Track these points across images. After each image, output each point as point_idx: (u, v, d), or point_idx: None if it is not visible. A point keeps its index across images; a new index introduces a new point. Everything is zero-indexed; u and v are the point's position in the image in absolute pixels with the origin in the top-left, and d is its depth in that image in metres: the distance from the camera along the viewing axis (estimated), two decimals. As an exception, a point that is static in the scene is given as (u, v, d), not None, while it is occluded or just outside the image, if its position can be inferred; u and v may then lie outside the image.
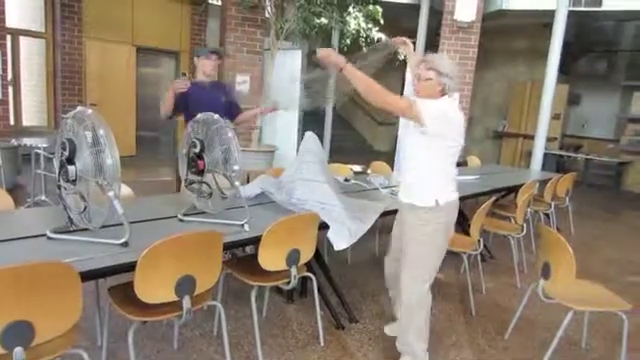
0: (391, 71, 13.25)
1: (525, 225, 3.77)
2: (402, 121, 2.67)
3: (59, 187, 1.95)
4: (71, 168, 1.83)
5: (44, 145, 4.61)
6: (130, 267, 1.72)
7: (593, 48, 10.22)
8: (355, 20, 5.96)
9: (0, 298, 1.35)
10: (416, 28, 7.98)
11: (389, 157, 10.56)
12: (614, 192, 9.07)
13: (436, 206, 2.21)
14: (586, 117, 10.66)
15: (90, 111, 1.84)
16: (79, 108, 1.90)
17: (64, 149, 1.85)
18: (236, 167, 2.27)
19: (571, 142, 10.46)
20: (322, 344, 2.58)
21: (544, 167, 7.18)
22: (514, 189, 4.79)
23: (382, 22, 6.07)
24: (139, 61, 8.41)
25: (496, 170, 5.70)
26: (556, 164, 9.42)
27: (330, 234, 2.40)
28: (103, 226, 1.90)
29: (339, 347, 2.58)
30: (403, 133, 6.35)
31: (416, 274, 2.30)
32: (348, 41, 5.99)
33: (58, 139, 1.95)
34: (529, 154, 10.43)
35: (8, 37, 6.41)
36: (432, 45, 8.39)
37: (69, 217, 1.93)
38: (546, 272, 2.44)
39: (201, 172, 2.27)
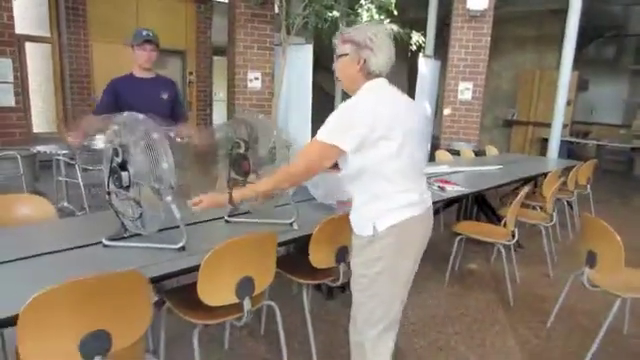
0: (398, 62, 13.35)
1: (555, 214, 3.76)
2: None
3: (108, 194, 1.94)
4: (124, 174, 1.82)
5: (64, 152, 4.59)
6: (189, 271, 1.71)
7: (601, 33, 10.16)
8: (368, 12, 5.92)
9: (79, 308, 1.35)
10: (425, 18, 7.93)
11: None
12: (627, 178, 9.04)
13: (374, 234, 1.66)
14: (594, 103, 10.63)
15: (142, 116, 1.83)
16: (126, 114, 1.88)
17: (116, 155, 1.83)
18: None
19: (580, 129, 10.43)
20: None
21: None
22: (534, 178, 4.79)
23: (395, 13, 6.01)
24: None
25: (514, 159, 5.67)
26: (567, 151, 9.39)
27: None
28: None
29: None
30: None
31: (365, 316, 1.80)
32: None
33: (106, 145, 1.94)
34: (539, 141, 10.47)
35: (18, 44, 6.39)
36: (441, 36, 8.38)
37: (122, 224, 1.92)
38: (591, 261, 2.43)
39: (246, 174, 2.26)
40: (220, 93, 9.90)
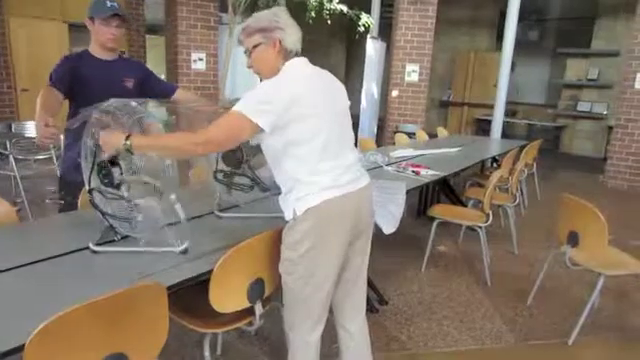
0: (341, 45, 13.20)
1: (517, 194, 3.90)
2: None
3: (90, 192, 1.70)
4: (115, 170, 1.60)
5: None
6: (198, 277, 1.54)
7: (525, 16, 10.66)
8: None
9: (93, 333, 1.16)
10: (370, -1, 7.89)
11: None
12: (555, 155, 9.67)
13: (294, 218, 1.60)
14: (519, 84, 11.21)
15: (134, 103, 1.61)
16: (112, 100, 1.65)
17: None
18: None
19: (508, 108, 10.97)
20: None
21: (489, 134, 7.45)
22: (494, 159, 4.97)
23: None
24: (72, 39, 7.66)
25: (466, 141, 5.83)
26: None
27: (377, 219, 2.31)
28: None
29: (381, 329, 2.54)
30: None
31: (293, 318, 1.72)
32: (313, 14, 5.78)
33: (85, 137, 1.70)
34: (474, 122, 10.94)
35: None
36: (385, 17, 8.40)
37: (111, 226, 1.70)
38: (574, 240, 2.52)
39: (239, 163, 2.08)
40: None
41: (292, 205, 1.60)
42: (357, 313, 1.88)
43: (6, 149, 4.15)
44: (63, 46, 7.46)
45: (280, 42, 1.61)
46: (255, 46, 1.64)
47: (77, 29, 7.65)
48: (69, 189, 2.32)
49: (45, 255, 1.58)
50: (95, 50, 2.40)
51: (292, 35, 1.63)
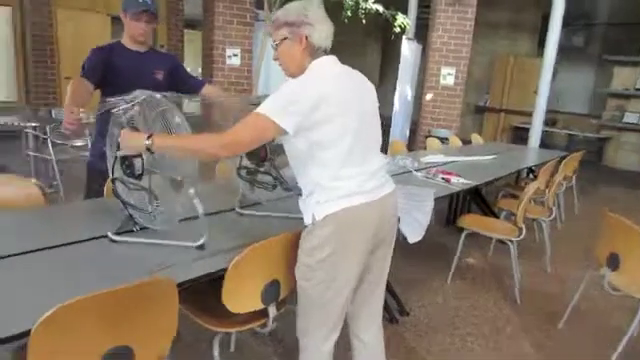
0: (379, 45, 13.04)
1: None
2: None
3: (113, 181, 1.70)
4: (137, 161, 1.58)
5: (32, 124, 4.20)
6: (212, 275, 1.51)
7: (570, 21, 10.28)
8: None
9: (100, 325, 1.13)
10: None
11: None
12: (598, 168, 9.27)
13: (313, 222, 1.53)
14: (560, 91, 10.82)
15: (159, 95, 1.59)
16: (137, 92, 1.63)
17: (127, 139, 1.59)
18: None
19: (548, 117, 10.60)
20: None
21: (527, 142, 7.19)
22: (530, 170, 4.78)
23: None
24: (114, 32, 7.84)
25: (502, 148, 5.64)
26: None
27: (402, 227, 2.24)
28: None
29: (400, 340, 2.46)
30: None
31: (307, 325, 1.66)
32: (349, 13, 5.72)
33: (111, 125, 1.69)
34: (510, 129, 10.61)
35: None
36: (421, 18, 8.24)
37: (130, 216, 1.69)
38: (614, 263, 2.36)
39: (263, 161, 2.05)
40: (188, 68, 9.46)
41: (312, 209, 1.54)
42: (372, 322, 1.81)
43: (45, 134, 4.27)
44: (105, 38, 7.64)
45: (307, 38, 1.53)
46: (281, 41, 1.57)
47: (119, 22, 7.83)
48: (95, 177, 2.35)
49: (64, 240, 1.58)
50: (127, 42, 2.44)
51: (321, 31, 1.54)
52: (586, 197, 6.01)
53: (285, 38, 1.55)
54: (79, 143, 4.53)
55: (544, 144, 9.42)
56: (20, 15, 6.98)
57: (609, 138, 9.48)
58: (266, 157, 2.04)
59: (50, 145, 4.13)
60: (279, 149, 2.09)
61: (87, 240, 1.61)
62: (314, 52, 1.56)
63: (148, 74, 2.43)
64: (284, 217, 2.05)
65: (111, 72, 2.32)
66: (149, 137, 1.49)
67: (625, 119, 9.16)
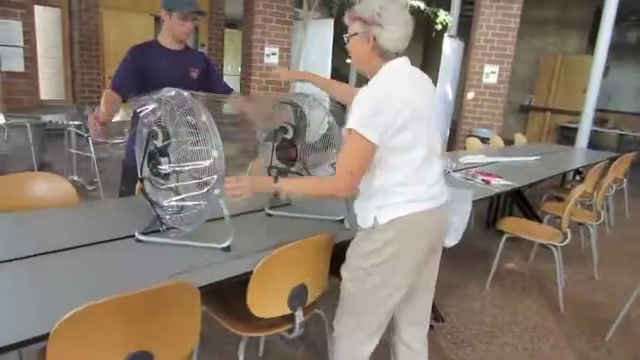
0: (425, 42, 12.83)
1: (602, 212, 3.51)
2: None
3: (142, 181, 1.69)
4: (164, 160, 1.57)
5: (75, 122, 4.33)
6: (237, 278, 1.47)
7: (624, 18, 9.74)
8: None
9: (120, 328, 1.11)
10: (450, -4, 7.54)
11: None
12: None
13: (374, 226, 1.50)
14: (612, 90, 10.27)
15: (186, 94, 1.56)
16: (165, 90, 1.62)
17: (154, 137, 1.58)
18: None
19: (597, 116, 10.10)
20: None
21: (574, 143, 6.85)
22: (577, 171, 4.54)
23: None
24: (158, 32, 8.00)
25: (546, 149, 5.40)
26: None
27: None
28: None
29: (434, 348, 2.36)
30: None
31: (349, 327, 1.63)
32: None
33: (140, 124, 1.69)
34: (557, 129, 10.18)
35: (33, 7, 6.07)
36: (464, 16, 8.00)
37: (157, 216, 1.67)
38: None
39: (293, 160, 2.00)
40: (228, 66, 9.55)
41: (373, 212, 1.51)
42: (421, 329, 1.79)
43: (87, 131, 4.38)
44: (149, 37, 7.81)
45: (374, 39, 1.46)
46: (352, 35, 1.52)
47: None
48: (129, 175, 2.37)
49: (92, 239, 1.58)
50: (166, 41, 2.44)
51: (393, 33, 1.46)
52: (638, 201, 5.67)
53: (356, 33, 1.51)
54: (118, 141, 4.63)
55: (593, 144, 8.96)
56: (69, 16, 7.23)
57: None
58: (297, 157, 1.99)
59: (91, 143, 4.23)
60: (310, 149, 2.06)
61: (114, 240, 1.61)
62: (383, 54, 1.50)
63: (184, 73, 2.44)
64: (314, 219, 2.00)
65: (147, 76, 2.34)
66: (275, 179, 1.56)
67: (681, 119, 8.63)
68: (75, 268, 1.40)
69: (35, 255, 1.44)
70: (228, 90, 2.71)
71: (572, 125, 8.82)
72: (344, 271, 1.59)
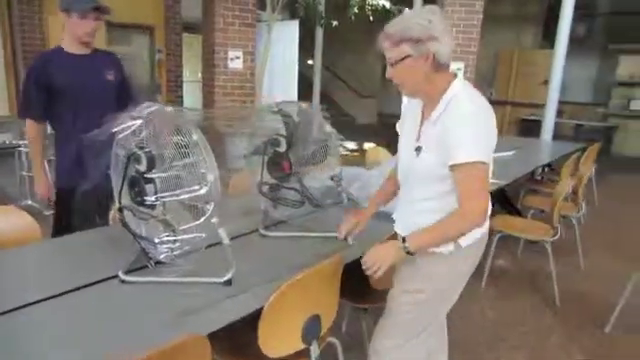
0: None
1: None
2: (404, 99, 1.66)
3: (120, 211, 1.47)
4: (149, 187, 1.37)
5: (25, 142, 3.97)
6: (244, 318, 1.29)
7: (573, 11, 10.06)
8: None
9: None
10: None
11: (372, 130, 10.25)
12: (607, 157, 9.05)
13: (455, 250, 1.46)
14: (565, 81, 10.59)
15: (171, 109, 1.37)
16: (144, 106, 1.41)
17: (137, 161, 1.37)
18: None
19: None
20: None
21: (535, 135, 6.98)
22: (548, 165, 4.57)
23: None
24: (109, 38, 7.60)
25: (518, 143, 5.41)
26: (548, 131, 9.34)
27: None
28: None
29: None
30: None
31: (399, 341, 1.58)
32: (355, 10, 5.50)
33: (116, 146, 1.47)
34: (517, 122, 10.40)
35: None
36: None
37: (144, 251, 1.46)
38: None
39: (287, 175, 1.83)
40: (187, 72, 9.21)
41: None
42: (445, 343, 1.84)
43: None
44: (100, 45, 7.41)
45: (434, 56, 1.34)
46: (403, 59, 1.37)
47: (114, 28, 7.59)
48: (62, 197, 2.27)
49: (67, 287, 1.35)
50: (70, 46, 2.19)
51: (447, 45, 1.36)
52: (602, 188, 5.79)
53: (408, 56, 1.36)
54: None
55: (553, 135, 9.24)
56: (9, 24, 6.74)
57: (617, 126, 9.29)
58: (290, 170, 1.83)
59: (46, 165, 3.89)
60: (302, 160, 1.89)
61: (93, 284, 1.38)
62: (438, 68, 1.38)
63: (97, 76, 2.23)
64: (315, 237, 1.84)
65: (54, 90, 2.13)
66: (403, 240, 1.40)
67: (632, 106, 9.06)
68: (50, 325, 1.18)
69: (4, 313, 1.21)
70: (133, 101, 2.48)
71: (533, 117, 9.02)
72: (404, 293, 1.55)
